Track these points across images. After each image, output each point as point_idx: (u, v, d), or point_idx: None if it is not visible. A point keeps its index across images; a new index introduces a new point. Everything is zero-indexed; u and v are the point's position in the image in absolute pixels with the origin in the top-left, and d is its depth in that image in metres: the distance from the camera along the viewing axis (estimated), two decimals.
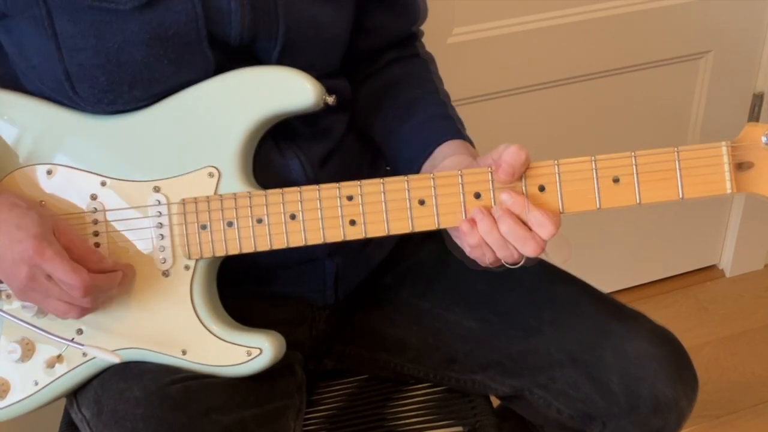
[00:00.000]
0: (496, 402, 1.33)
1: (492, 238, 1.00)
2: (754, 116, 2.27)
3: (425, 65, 1.29)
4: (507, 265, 1.03)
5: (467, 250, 1.05)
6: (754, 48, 2.19)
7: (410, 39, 1.30)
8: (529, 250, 0.99)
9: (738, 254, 2.49)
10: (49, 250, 0.97)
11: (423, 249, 1.33)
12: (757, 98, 2.25)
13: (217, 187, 1.05)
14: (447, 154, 1.13)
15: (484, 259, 1.03)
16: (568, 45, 1.98)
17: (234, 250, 1.05)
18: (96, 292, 1.01)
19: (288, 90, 1.04)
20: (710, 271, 2.54)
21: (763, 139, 0.98)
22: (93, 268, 1.01)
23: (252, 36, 1.07)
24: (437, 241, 1.31)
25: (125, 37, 1.00)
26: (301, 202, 1.03)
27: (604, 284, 1.28)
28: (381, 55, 1.27)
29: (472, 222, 1.01)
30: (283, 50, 1.09)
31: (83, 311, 1.02)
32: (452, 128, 1.17)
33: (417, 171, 1.14)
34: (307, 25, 1.10)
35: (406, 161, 1.17)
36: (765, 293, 2.46)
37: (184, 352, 1.07)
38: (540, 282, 1.26)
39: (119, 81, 1.03)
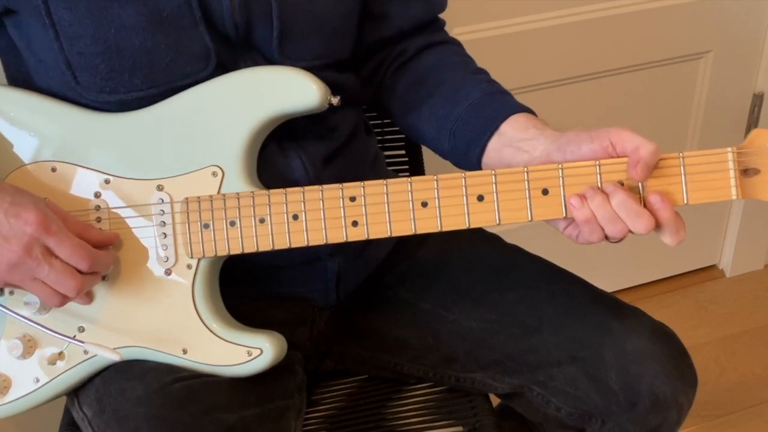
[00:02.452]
0: (496, 401, 1.33)
1: (603, 212, 0.99)
2: (754, 116, 2.27)
3: (460, 48, 1.27)
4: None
5: (572, 231, 1.04)
6: (754, 48, 2.19)
7: (436, 24, 1.28)
8: (641, 226, 0.98)
9: (738, 254, 2.49)
10: (53, 224, 0.97)
11: (422, 248, 1.32)
12: (757, 98, 2.25)
13: (220, 187, 1.05)
14: (523, 127, 1.10)
15: (592, 237, 1.01)
16: (568, 45, 1.98)
17: (236, 250, 1.05)
18: (98, 267, 1.02)
19: (293, 90, 1.04)
20: (710, 271, 2.54)
21: None
22: (92, 240, 1.02)
23: (246, 21, 1.06)
24: (437, 240, 1.32)
25: (122, 22, 1.01)
26: (303, 202, 1.03)
27: (604, 284, 1.28)
28: (404, 42, 1.24)
29: (583, 198, 0.99)
30: (281, 38, 1.08)
31: (65, 299, 1.01)
32: (515, 102, 1.14)
33: (481, 150, 1.11)
34: (304, 11, 1.09)
35: (464, 144, 1.14)
36: (765, 293, 2.46)
37: (184, 351, 1.07)
38: (539, 280, 1.26)
39: (119, 69, 1.03)
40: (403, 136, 1.54)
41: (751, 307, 2.41)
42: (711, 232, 2.46)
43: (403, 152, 1.55)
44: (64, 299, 1.01)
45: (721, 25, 2.11)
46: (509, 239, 1.35)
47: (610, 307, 1.21)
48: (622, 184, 0.99)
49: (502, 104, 1.13)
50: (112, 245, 1.06)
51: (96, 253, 1.01)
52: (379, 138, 1.50)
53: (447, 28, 1.29)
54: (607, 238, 1.01)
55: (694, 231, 2.42)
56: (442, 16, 1.28)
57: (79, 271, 0.99)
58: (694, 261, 2.52)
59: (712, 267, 2.55)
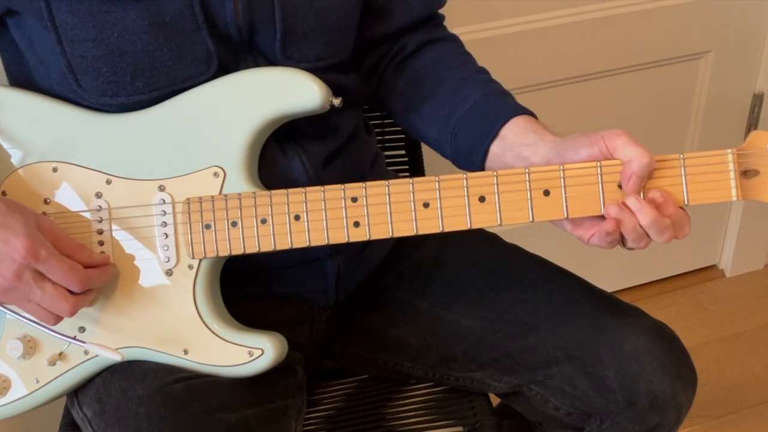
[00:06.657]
0: (496, 400, 1.33)
1: (635, 233, 0.99)
2: (754, 116, 2.27)
3: (459, 45, 1.27)
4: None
5: (583, 233, 1.03)
6: (754, 48, 2.19)
7: (435, 20, 1.27)
8: (666, 237, 0.99)
9: (738, 254, 2.49)
10: (42, 249, 0.96)
11: (421, 248, 1.33)
12: (757, 98, 2.26)
13: (222, 187, 1.05)
14: (523, 131, 1.09)
15: (610, 247, 1.02)
16: (568, 45, 1.98)
17: (237, 250, 1.05)
18: (91, 286, 1.02)
19: (294, 91, 1.04)
20: (710, 271, 2.54)
21: None
22: (83, 262, 1.02)
23: (249, 24, 1.06)
24: (435, 240, 1.32)
25: (125, 26, 1.01)
26: (305, 203, 1.03)
27: (604, 284, 1.28)
28: (404, 38, 1.24)
29: (616, 221, 0.99)
30: (284, 40, 1.08)
31: (60, 319, 1.02)
32: (515, 104, 1.14)
33: (484, 155, 1.12)
34: (307, 12, 1.09)
35: (466, 147, 1.13)
36: (765, 293, 2.46)
37: (185, 352, 1.07)
38: (537, 279, 1.26)
39: (121, 71, 1.03)
40: (403, 135, 1.55)
41: (751, 307, 2.41)
42: (711, 232, 2.46)
43: (403, 152, 1.55)
44: (59, 319, 1.02)
45: (721, 25, 2.11)
46: (509, 239, 1.35)
47: (608, 306, 1.21)
48: (620, 187, 1.00)
49: (502, 107, 1.13)
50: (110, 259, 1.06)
51: (88, 274, 1.00)
52: (379, 138, 1.50)
53: (447, 27, 1.29)
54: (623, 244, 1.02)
55: (694, 231, 2.40)
56: (443, 15, 1.28)
57: (73, 291, 0.99)
58: (694, 261, 2.52)
59: (712, 267, 2.55)
